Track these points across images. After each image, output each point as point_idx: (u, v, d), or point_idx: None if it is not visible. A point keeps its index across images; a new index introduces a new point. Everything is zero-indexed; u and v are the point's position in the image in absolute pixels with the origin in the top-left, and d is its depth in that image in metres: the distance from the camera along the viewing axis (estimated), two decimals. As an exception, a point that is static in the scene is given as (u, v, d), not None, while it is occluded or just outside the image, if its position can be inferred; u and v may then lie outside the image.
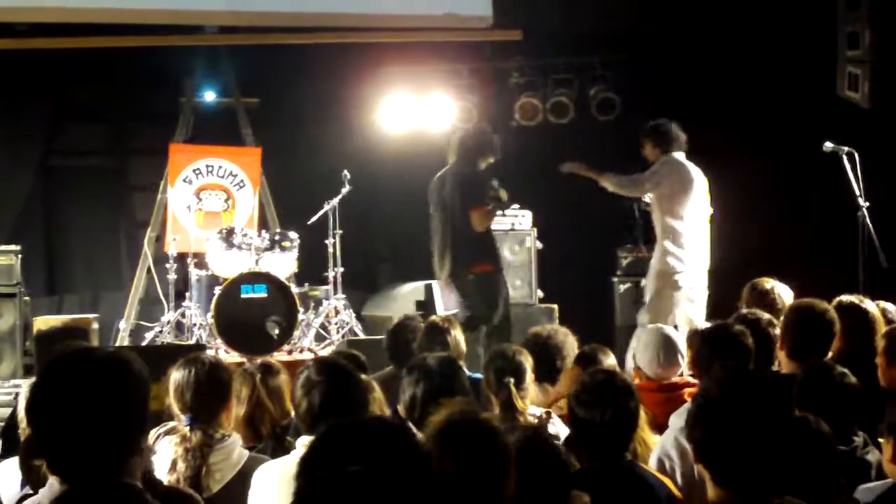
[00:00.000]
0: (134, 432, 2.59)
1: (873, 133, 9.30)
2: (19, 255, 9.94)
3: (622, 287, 10.54)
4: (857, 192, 7.87)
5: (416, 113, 11.29)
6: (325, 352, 9.25)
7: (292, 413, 4.60)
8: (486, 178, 8.41)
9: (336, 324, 9.88)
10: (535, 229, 9.98)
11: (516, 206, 10.07)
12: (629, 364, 6.06)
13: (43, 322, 9.72)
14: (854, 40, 9.51)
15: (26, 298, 10.01)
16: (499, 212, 8.56)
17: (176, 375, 4.23)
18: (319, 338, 9.89)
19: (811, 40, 10.36)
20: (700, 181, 8.61)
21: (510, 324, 8.40)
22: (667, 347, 5.39)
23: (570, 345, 5.68)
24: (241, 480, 4.00)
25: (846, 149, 7.94)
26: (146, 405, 2.62)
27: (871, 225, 7.81)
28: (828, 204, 9.69)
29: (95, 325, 9.88)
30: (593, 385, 3.93)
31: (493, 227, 9.77)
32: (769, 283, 6.72)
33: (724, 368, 3.08)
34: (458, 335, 6.18)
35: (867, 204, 7.84)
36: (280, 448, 4.46)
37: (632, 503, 3.64)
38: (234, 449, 4.16)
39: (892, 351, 5.06)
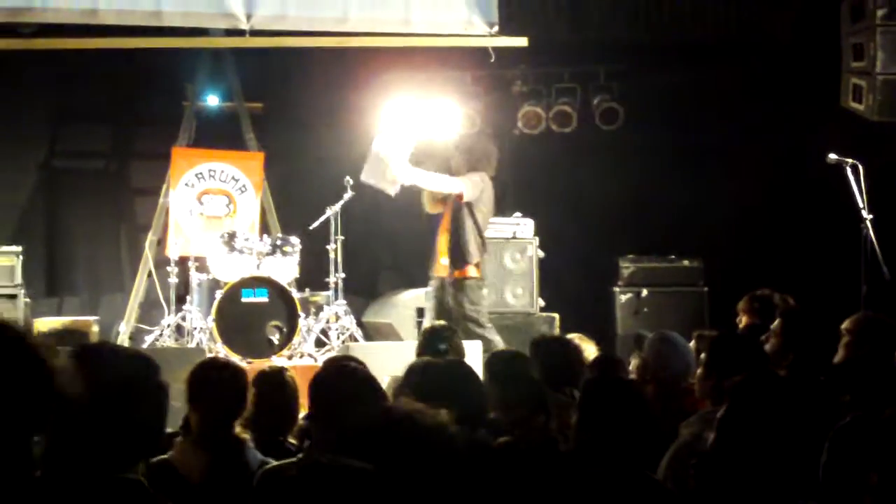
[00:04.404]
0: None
1: (877, 145, 9.29)
2: (20, 256, 9.91)
3: (623, 297, 10.50)
4: (861, 205, 7.85)
5: (419, 119, 11.25)
6: (325, 357, 9.22)
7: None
8: None
9: (336, 330, 9.85)
10: (538, 238, 9.94)
11: (518, 213, 10.06)
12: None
13: (43, 324, 9.69)
14: (858, 51, 9.51)
15: (27, 300, 9.98)
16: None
17: None
18: (319, 343, 9.86)
19: (815, 51, 10.36)
20: None
21: None
22: None
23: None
24: None
25: (850, 161, 7.94)
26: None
27: (874, 237, 7.80)
28: (831, 216, 9.68)
29: (95, 328, 9.86)
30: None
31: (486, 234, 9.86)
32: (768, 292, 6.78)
33: None
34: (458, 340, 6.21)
35: (870, 216, 7.83)
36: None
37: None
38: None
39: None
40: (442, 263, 8.78)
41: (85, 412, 2.55)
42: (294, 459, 4.05)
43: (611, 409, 3.68)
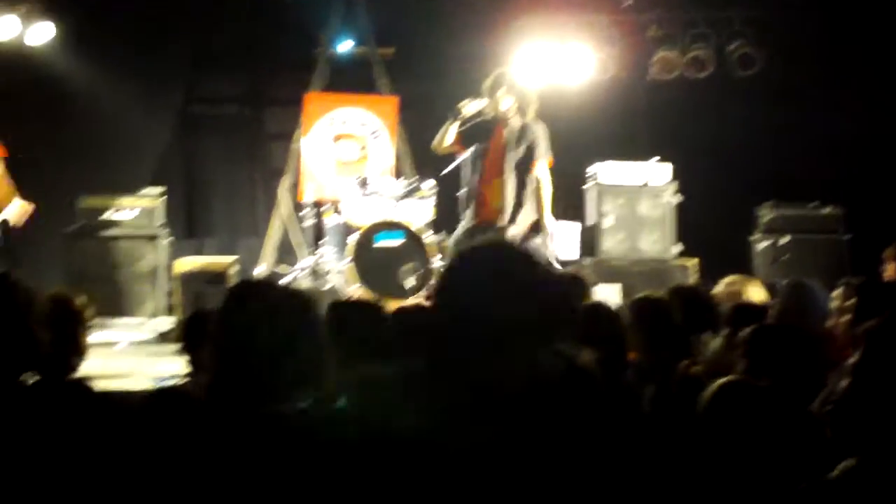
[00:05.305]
0: None
1: None
2: (162, 198, 10.12)
3: (761, 244, 10.32)
4: None
5: (552, 64, 11.17)
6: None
7: None
8: None
9: (470, 273, 9.84)
10: (676, 183, 9.81)
11: (656, 158, 9.93)
12: None
13: (184, 264, 9.90)
14: None
15: (168, 240, 10.19)
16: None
17: None
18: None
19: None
20: None
21: None
22: None
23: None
24: None
25: None
26: None
27: None
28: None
29: (235, 269, 10.02)
30: None
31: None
32: None
33: None
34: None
35: None
36: None
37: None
38: None
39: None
40: (494, 208, 8.42)
41: (246, 345, 2.61)
42: None
43: (784, 354, 3.69)
